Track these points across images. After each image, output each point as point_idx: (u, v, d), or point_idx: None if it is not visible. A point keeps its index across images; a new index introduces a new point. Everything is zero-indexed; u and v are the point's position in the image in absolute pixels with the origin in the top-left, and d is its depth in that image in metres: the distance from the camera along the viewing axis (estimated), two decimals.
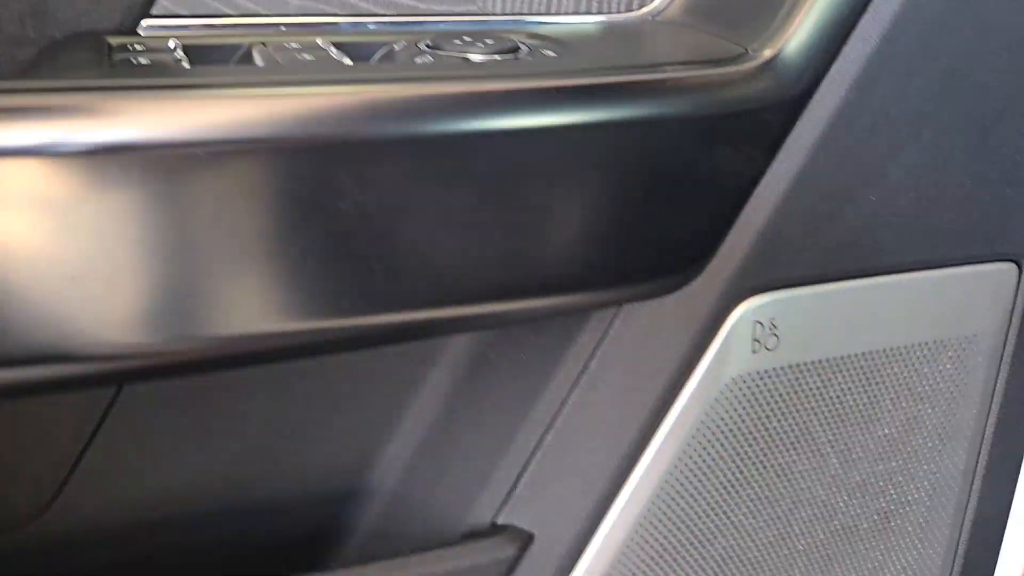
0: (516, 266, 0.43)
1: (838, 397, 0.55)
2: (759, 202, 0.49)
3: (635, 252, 0.46)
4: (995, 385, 0.61)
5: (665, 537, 0.54)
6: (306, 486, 0.53)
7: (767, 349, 0.52)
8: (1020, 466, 0.65)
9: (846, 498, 0.59)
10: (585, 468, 0.51)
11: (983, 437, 0.62)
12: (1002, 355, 0.60)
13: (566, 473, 0.51)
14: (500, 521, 0.51)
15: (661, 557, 0.54)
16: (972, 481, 0.64)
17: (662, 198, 0.45)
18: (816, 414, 0.55)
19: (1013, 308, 0.59)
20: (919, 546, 0.63)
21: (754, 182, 0.48)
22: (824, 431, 0.56)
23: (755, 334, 0.51)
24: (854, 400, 0.56)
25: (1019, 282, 0.58)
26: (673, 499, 0.53)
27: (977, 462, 0.63)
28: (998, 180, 0.54)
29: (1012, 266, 0.58)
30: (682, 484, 0.53)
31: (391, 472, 0.53)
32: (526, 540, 0.51)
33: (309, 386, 0.52)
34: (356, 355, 0.52)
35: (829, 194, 0.50)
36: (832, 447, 0.57)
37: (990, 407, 0.62)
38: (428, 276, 0.40)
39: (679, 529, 0.54)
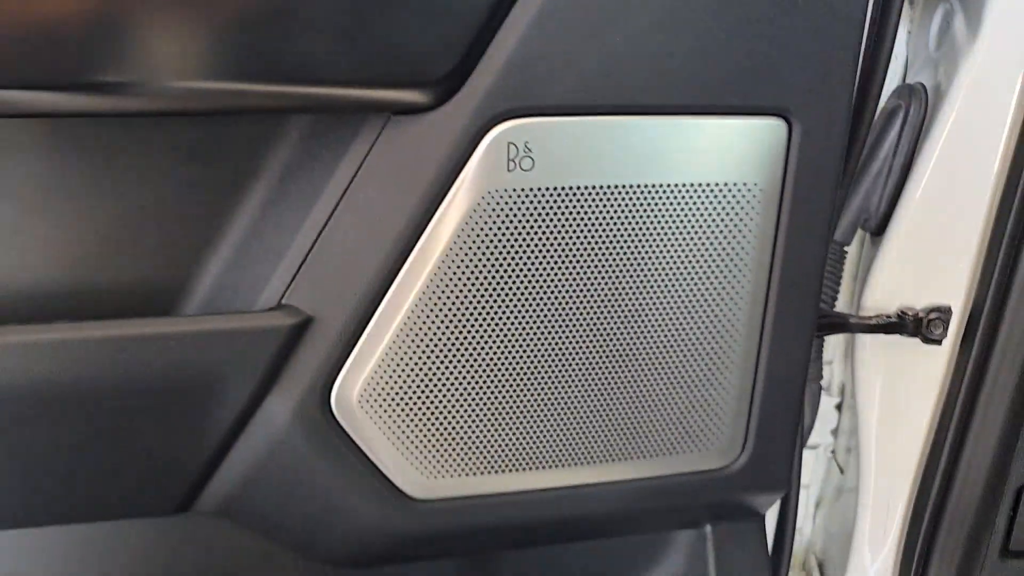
0: (303, 58, 0.54)
1: (601, 224, 0.62)
2: (509, 32, 0.57)
3: (395, 56, 0.55)
4: (775, 238, 0.66)
5: (434, 332, 0.62)
6: (141, 275, 0.63)
7: (522, 169, 0.60)
8: (811, 330, 0.70)
9: (619, 324, 0.65)
10: (359, 261, 0.60)
11: (768, 290, 0.67)
12: (779, 208, 0.65)
13: (342, 265, 0.60)
14: (284, 302, 0.61)
15: (431, 350, 0.62)
16: (762, 333, 0.69)
17: (410, 6, 0.54)
18: (579, 237, 0.62)
19: (786, 163, 0.64)
20: (706, 386, 0.69)
21: (500, 8, 0.56)
22: (589, 255, 0.63)
23: (510, 154, 0.59)
24: (618, 230, 0.63)
25: (789, 137, 0.63)
26: (440, 297, 0.61)
27: (765, 315, 0.68)
28: (753, 35, 0.60)
29: (781, 121, 0.63)
30: (448, 284, 0.61)
31: (213, 267, 0.63)
32: (304, 320, 0.60)
33: (150, 192, 0.63)
34: (194, 165, 0.62)
35: (572, 29, 0.57)
36: (599, 272, 0.63)
37: (772, 260, 0.67)
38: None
39: (448, 326, 0.62)
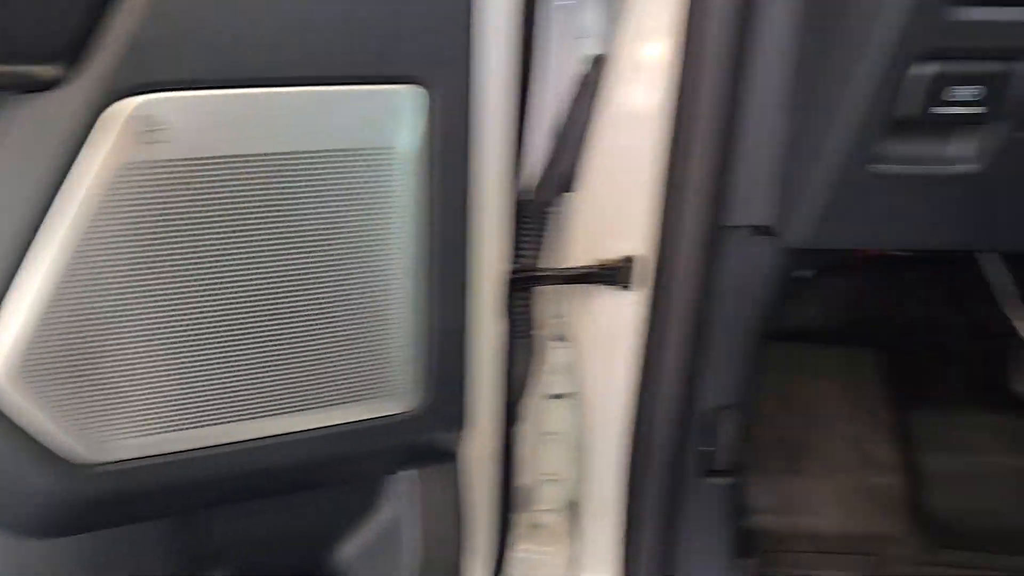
0: None
1: (245, 191, 0.66)
2: (132, 8, 0.59)
3: (7, 30, 0.56)
4: (423, 199, 0.71)
5: (83, 304, 0.63)
6: None
7: (158, 142, 0.62)
8: (463, 282, 0.76)
9: (276, 282, 0.69)
10: None
11: (423, 248, 0.73)
12: (424, 170, 0.71)
13: None
14: None
15: (82, 323, 0.64)
16: (423, 287, 0.74)
17: None
18: (224, 204, 0.65)
19: (431, 128, 0.69)
20: (376, 338, 0.74)
21: None
22: (237, 221, 0.66)
23: (139, 128, 0.62)
24: (264, 195, 0.66)
25: (429, 103, 0.69)
26: (83, 271, 0.62)
27: (424, 271, 0.74)
28: (379, 7, 0.65)
29: (414, 88, 0.68)
30: (90, 257, 0.62)
31: None
32: None
33: None
34: None
35: (199, 4, 0.60)
36: (250, 235, 0.67)
37: (423, 220, 0.72)
38: None
39: (96, 297, 0.63)
